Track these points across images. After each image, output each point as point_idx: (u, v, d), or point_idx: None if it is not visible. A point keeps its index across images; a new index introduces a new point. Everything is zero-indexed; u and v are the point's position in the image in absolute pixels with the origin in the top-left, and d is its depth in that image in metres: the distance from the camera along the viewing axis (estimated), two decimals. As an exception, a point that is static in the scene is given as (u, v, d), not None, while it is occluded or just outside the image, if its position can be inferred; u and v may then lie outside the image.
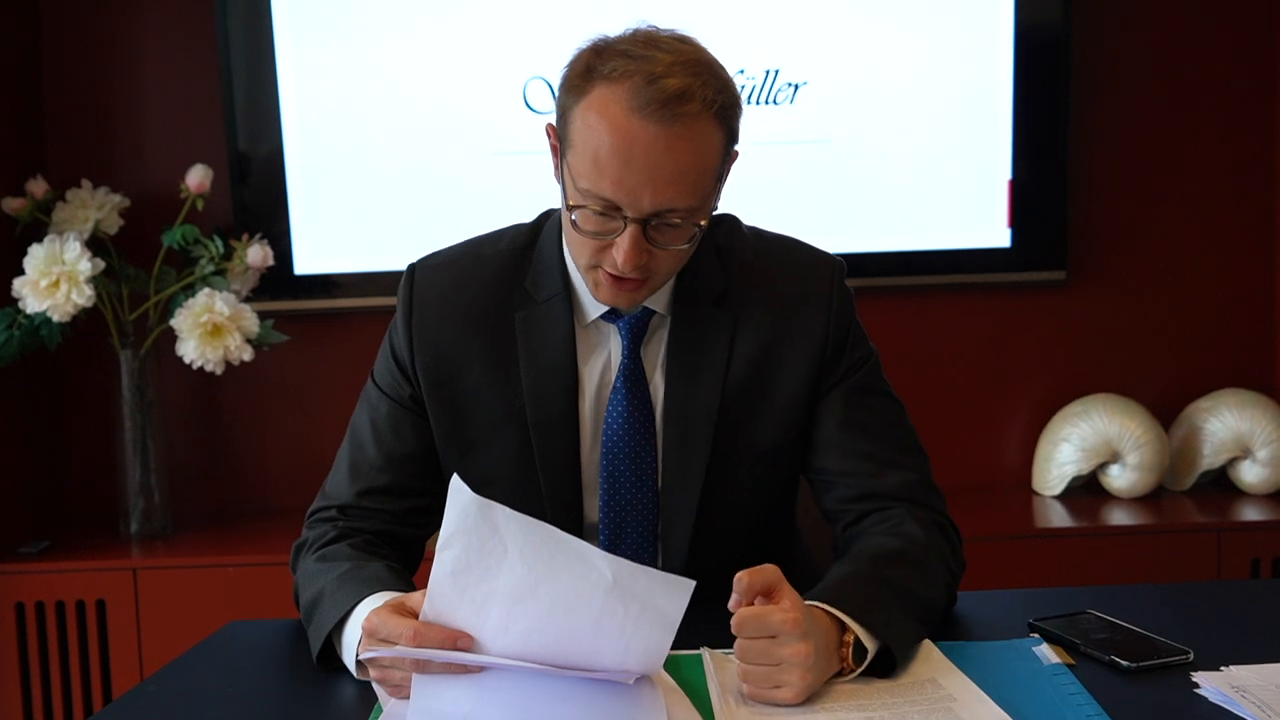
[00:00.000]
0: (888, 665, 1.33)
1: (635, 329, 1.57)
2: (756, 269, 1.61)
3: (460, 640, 1.23)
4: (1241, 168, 3.20)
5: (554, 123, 1.49)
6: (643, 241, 1.43)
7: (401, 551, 1.60)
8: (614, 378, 1.58)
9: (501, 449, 1.59)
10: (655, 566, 1.54)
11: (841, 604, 1.34)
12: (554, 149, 1.51)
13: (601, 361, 1.59)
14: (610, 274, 1.47)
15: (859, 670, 1.31)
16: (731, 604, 1.27)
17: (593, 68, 1.42)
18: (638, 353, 1.58)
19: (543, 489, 1.59)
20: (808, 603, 1.32)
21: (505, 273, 1.60)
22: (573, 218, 1.44)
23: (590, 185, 1.41)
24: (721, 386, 1.57)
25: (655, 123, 1.38)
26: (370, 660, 1.27)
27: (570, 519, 1.60)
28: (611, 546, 1.61)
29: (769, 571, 1.28)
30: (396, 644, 1.24)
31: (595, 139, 1.40)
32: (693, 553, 1.60)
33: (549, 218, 1.64)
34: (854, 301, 1.64)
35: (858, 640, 1.31)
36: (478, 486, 1.63)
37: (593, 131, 1.40)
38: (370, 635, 1.27)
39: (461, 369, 1.59)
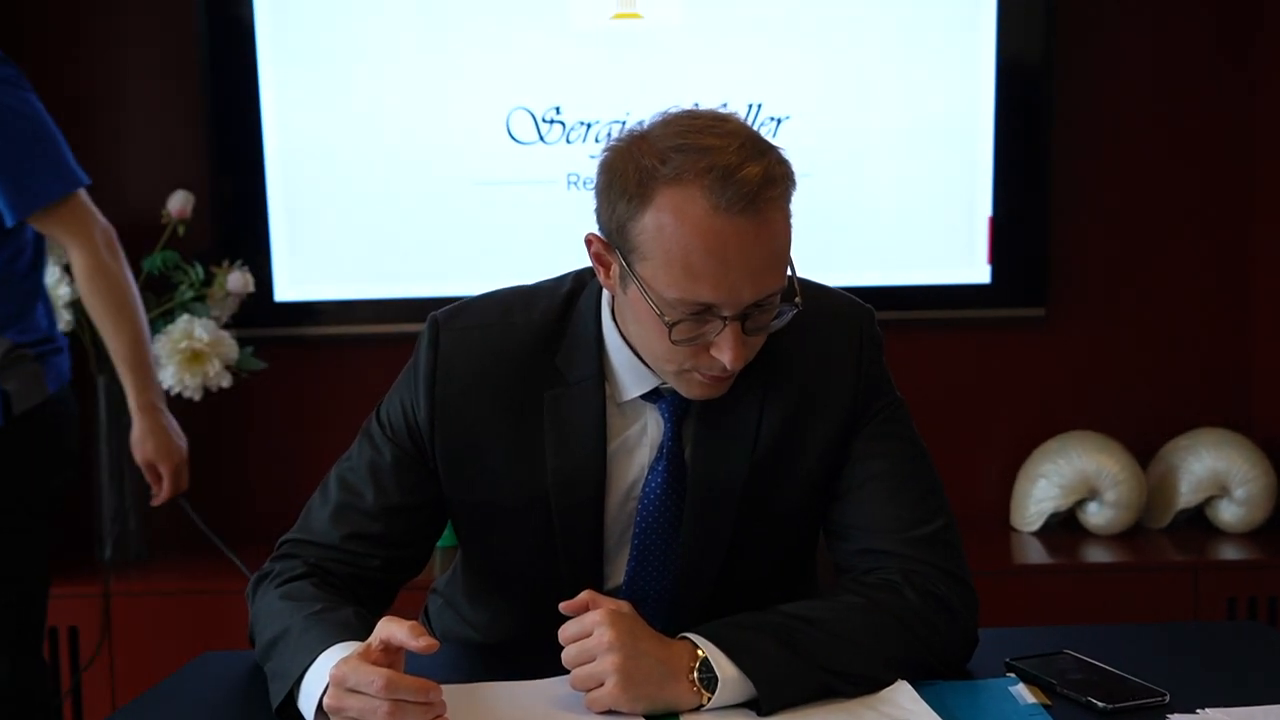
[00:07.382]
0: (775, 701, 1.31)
1: (677, 410, 1.50)
2: (784, 328, 1.49)
3: (432, 692, 1.22)
4: (1221, 207, 3.22)
5: (600, 234, 1.41)
6: (742, 335, 1.37)
7: (374, 594, 1.53)
8: (653, 458, 1.51)
9: (520, 529, 1.53)
10: (671, 627, 1.44)
11: (702, 631, 1.34)
12: (600, 259, 1.42)
13: (636, 438, 1.52)
14: (706, 374, 1.41)
15: (712, 695, 1.30)
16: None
17: (648, 170, 1.33)
18: (680, 433, 1.51)
19: (561, 567, 1.54)
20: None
21: (536, 345, 1.50)
22: (670, 334, 1.35)
23: (683, 294, 1.33)
24: (750, 455, 1.50)
25: (743, 216, 1.30)
26: (334, 710, 1.25)
27: (588, 586, 1.48)
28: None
29: (583, 595, 1.34)
30: (365, 693, 1.22)
31: (680, 246, 1.31)
32: (709, 612, 1.49)
33: (583, 285, 1.53)
34: (882, 348, 1.59)
35: (705, 660, 1.30)
36: (491, 556, 1.61)
37: (674, 239, 1.32)
38: (338, 684, 1.23)
39: (484, 450, 1.51)
